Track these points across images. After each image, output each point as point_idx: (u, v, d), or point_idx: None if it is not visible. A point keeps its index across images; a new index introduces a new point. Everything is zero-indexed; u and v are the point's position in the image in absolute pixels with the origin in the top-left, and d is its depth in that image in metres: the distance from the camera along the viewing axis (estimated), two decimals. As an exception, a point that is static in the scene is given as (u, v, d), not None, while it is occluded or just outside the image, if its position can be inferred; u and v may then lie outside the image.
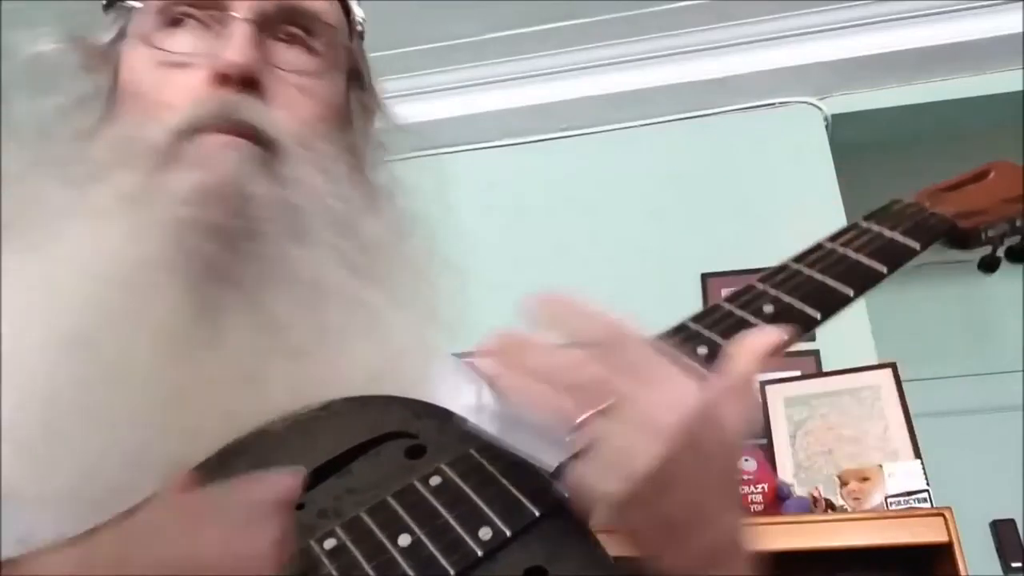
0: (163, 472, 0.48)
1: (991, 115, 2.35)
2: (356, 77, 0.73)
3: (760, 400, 1.95)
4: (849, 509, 1.64)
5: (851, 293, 0.58)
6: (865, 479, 1.67)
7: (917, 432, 1.76)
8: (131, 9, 0.66)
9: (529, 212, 2.42)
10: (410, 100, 2.37)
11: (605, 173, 2.46)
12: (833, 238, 0.63)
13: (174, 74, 0.62)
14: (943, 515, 1.49)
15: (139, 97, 0.63)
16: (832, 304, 0.58)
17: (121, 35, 0.67)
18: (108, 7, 0.69)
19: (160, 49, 0.63)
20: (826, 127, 2.42)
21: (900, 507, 1.60)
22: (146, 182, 0.58)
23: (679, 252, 2.24)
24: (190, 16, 0.64)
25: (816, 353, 2.02)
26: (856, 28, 2.33)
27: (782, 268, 0.61)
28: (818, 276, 0.59)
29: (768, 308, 0.57)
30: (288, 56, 0.65)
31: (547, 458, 0.45)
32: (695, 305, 0.58)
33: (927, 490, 1.62)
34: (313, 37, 0.67)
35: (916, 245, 0.63)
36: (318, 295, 0.59)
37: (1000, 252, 0.72)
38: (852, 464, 1.73)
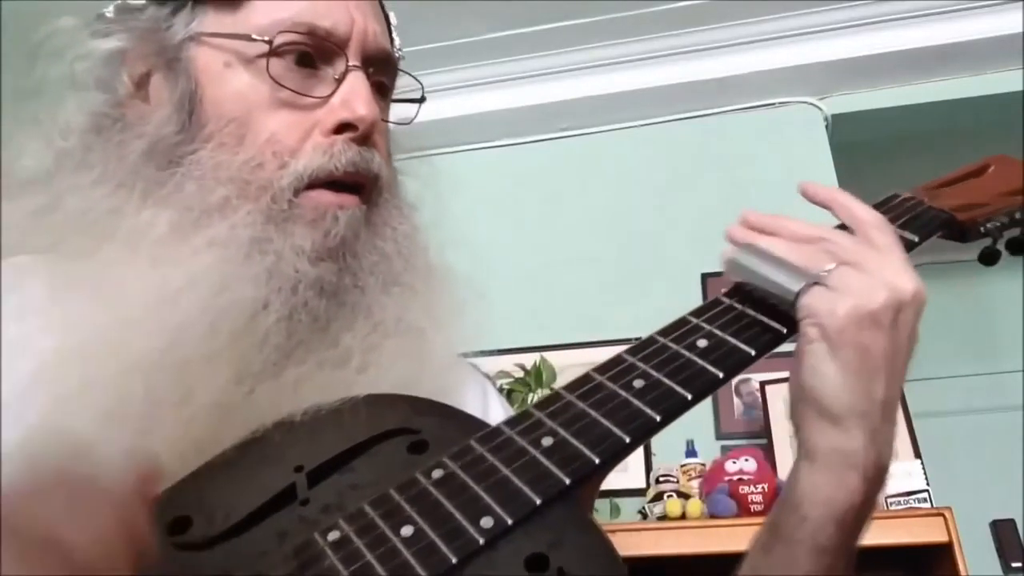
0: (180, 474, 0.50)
1: (991, 115, 2.35)
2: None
3: (760, 400, 1.95)
4: (849, 509, 1.64)
5: None
6: (865, 479, 1.67)
7: (917, 432, 1.76)
8: (206, 11, 0.64)
9: (529, 212, 2.42)
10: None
11: (605, 173, 2.46)
12: (836, 228, 0.64)
13: (293, 117, 0.61)
14: (943, 515, 1.50)
15: (245, 129, 0.61)
16: None
17: (193, 37, 0.63)
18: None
19: (281, 85, 0.61)
20: (826, 127, 2.42)
21: (900, 507, 1.60)
22: (270, 229, 0.59)
23: (679, 252, 2.24)
24: (301, 50, 0.62)
25: (816, 353, 2.02)
26: (856, 28, 2.33)
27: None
28: None
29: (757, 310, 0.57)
30: (379, 102, 0.67)
31: (785, 286, 0.54)
32: (695, 305, 0.58)
33: (927, 490, 1.62)
34: (389, 79, 0.69)
35: (915, 237, 0.64)
36: (383, 323, 0.62)
37: (1000, 245, 0.73)
38: (852, 464, 1.72)
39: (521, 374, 1.99)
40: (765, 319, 0.56)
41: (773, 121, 2.43)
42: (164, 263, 0.56)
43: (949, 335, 3.05)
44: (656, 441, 1.89)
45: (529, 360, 2.01)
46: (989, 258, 0.73)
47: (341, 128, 0.61)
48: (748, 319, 0.56)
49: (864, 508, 0.53)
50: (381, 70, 0.67)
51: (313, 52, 0.63)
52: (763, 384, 1.95)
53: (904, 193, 0.70)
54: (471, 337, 0.69)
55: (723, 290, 0.59)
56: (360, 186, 0.63)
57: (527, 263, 2.32)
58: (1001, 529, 2.76)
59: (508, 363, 2.02)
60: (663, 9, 2.29)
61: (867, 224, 0.58)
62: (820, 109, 2.43)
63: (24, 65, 0.64)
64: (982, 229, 0.70)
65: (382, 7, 0.72)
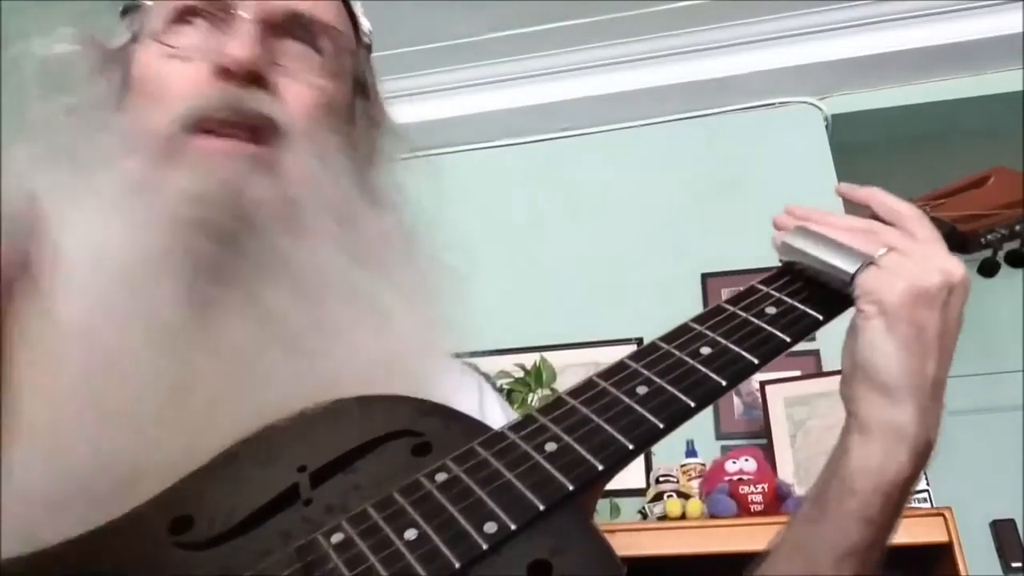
0: (165, 471, 0.49)
1: (991, 115, 2.35)
2: (361, 87, 0.74)
3: (760, 400, 1.95)
4: (849, 509, 1.64)
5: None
6: (865, 479, 1.67)
7: (917, 432, 1.76)
8: (145, 12, 0.68)
9: (529, 212, 2.43)
10: (411, 100, 2.37)
11: (605, 173, 2.46)
12: None
13: (180, 67, 0.64)
14: (943, 515, 1.49)
15: (146, 89, 0.64)
16: (834, 307, 0.59)
17: (135, 38, 0.68)
18: (124, 13, 0.70)
19: (167, 45, 0.64)
20: (826, 127, 2.42)
21: (900, 507, 1.60)
22: (150, 175, 0.59)
23: (679, 252, 2.24)
24: (199, 14, 0.65)
25: (816, 353, 2.02)
26: (856, 28, 2.33)
27: (784, 271, 0.62)
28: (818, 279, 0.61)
29: (771, 310, 0.58)
30: (294, 54, 0.66)
31: (841, 266, 0.57)
32: (695, 305, 0.59)
33: (927, 490, 1.62)
34: (318, 40, 0.68)
35: None
36: (318, 285, 0.60)
37: (1000, 257, 0.74)
38: (852, 464, 1.72)
39: (521, 374, 1.99)
40: (769, 328, 0.56)
41: (773, 121, 2.43)
42: (70, 233, 0.57)
43: (949, 335, 3.05)
44: (656, 441, 1.89)
45: (529, 360, 2.02)
46: (989, 270, 0.75)
47: (221, 73, 0.62)
48: (752, 327, 0.56)
49: (909, 483, 0.56)
50: (295, 28, 0.66)
51: (205, 10, 0.65)
52: (763, 384, 1.95)
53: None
54: (452, 329, 0.68)
55: (724, 298, 0.60)
56: (257, 131, 0.62)
57: (527, 263, 2.32)
58: (1001, 529, 2.75)
59: (508, 363, 2.02)
60: (663, 9, 2.29)
61: (908, 217, 0.60)
62: (820, 109, 2.43)
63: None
64: (983, 240, 0.72)
65: None
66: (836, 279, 0.57)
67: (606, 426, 0.50)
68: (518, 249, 2.32)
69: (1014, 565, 2.71)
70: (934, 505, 1.59)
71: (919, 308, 0.55)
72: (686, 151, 2.44)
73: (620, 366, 0.55)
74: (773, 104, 2.45)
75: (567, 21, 2.33)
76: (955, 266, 0.57)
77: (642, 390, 0.52)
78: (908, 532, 1.48)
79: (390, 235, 0.67)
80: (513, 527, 0.44)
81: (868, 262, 0.56)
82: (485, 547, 0.43)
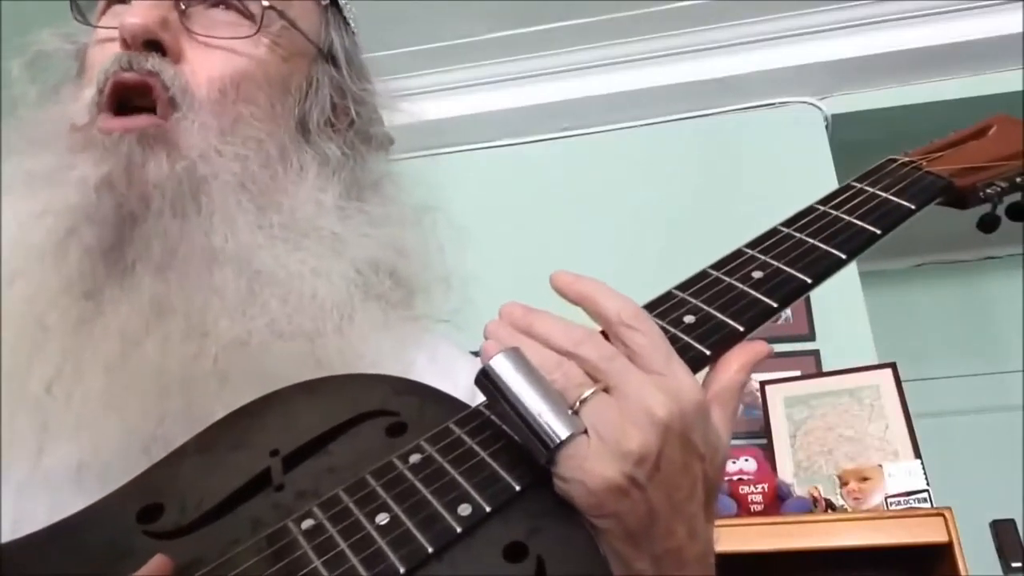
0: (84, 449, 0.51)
1: (991, 115, 2.35)
2: (326, 55, 0.71)
3: (760, 400, 1.95)
4: (849, 509, 1.64)
5: (843, 256, 0.56)
6: (865, 479, 1.67)
7: (917, 432, 1.76)
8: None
9: (529, 212, 2.42)
10: (411, 100, 2.36)
11: (605, 173, 2.45)
12: (825, 201, 0.61)
13: (101, 48, 0.64)
14: (943, 515, 1.49)
15: (83, 77, 0.65)
16: (823, 269, 0.55)
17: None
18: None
19: (97, 27, 0.65)
20: (826, 127, 2.42)
21: (900, 507, 1.60)
22: (56, 164, 0.59)
23: (679, 252, 2.24)
24: None
25: (816, 353, 2.02)
26: (856, 28, 2.33)
27: (772, 233, 0.59)
28: (809, 240, 0.57)
29: (757, 274, 0.55)
30: (215, 22, 0.64)
31: (550, 422, 0.43)
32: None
33: (927, 490, 1.62)
34: (249, 6, 0.65)
35: (912, 205, 0.61)
36: (217, 261, 0.58)
37: (1000, 211, 0.69)
38: (852, 464, 1.73)
39: (521, 374, 1.99)
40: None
41: (773, 121, 2.43)
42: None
43: (949, 335, 3.05)
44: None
45: (529, 360, 2.01)
46: (988, 225, 0.69)
47: (122, 45, 0.61)
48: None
49: None
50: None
51: None
52: (763, 384, 1.94)
53: (901, 157, 0.66)
54: (435, 320, 0.67)
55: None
56: (157, 106, 0.60)
57: (527, 263, 2.32)
58: (1001, 529, 2.75)
59: (508, 363, 2.02)
60: (663, 9, 2.29)
61: (620, 325, 0.47)
62: (820, 109, 2.43)
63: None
64: (981, 195, 0.67)
65: None
66: (538, 451, 0.44)
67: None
68: (517, 249, 2.32)
69: (1014, 565, 2.70)
70: (934, 505, 1.59)
71: (619, 501, 0.42)
72: (686, 151, 2.44)
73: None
74: (773, 104, 2.45)
75: (567, 21, 2.32)
76: (668, 402, 0.43)
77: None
78: (908, 532, 1.48)
79: (335, 213, 0.65)
80: (488, 509, 0.43)
81: (568, 435, 0.43)
82: (459, 530, 0.42)
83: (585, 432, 0.43)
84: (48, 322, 0.54)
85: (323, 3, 0.73)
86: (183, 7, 0.63)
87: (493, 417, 0.48)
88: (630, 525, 0.43)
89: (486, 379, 0.45)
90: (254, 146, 0.63)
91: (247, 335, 0.56)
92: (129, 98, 0.60)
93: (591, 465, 0.42)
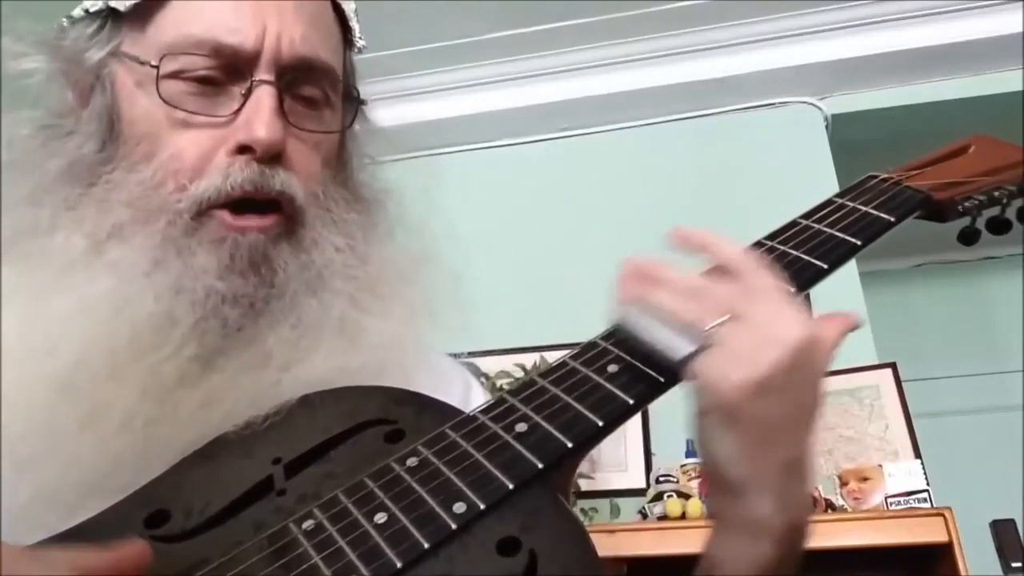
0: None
1: (991, 115, 2.35)
2: (351, 98, 0.72)
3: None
4: (849, 509, 1.64)
5: (825, 267, 0.59)
6: (865, 479, 1.67)
7: (917, 432, 1.76)
8: (122, 27, 0.64)
9: (529, 212, 2.42)
10: (410, 100, 2.37)
11: (605, 173, 2.46)
12: (807, 215, 0.64)
13: (195, 137, 0.61)
14: (943, 515, 1.49)
15: (153, 149, 0.61)
16: (806, 278, 0.58)
17: (114, 53, 0.64)
18: (97, 16, 0.65)
19: (179, 109, 0.61)
20: (826, 127, 2.42)
21: (900, 507, 1.60)
22: (170, 250, 0.59)
23: (679, 252, 2.23)
24: (200, 73, 0.61)
25: (816, 353, 2.02)
26: (856, 28, 2.33)
27: (756, 245, 0.61)
28: (792, 252, 0.60)
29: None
30: (301, 111, 0.64)
31: (674, 348, 0.50)
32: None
33: (927, 490, 1.62)
34: (322, 83, 0.66)
35: (891, 218, 0.64)
36: (315, 329, 0.62)
37: (980, 223, 0.72)
38: (852, 464, 1.73)
39: (521, 374, 1.99)
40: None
41: (773, 121, 2.43)
42: (63, 290, 0.57)
43: (949, 335, 3.05)
44: (656, 441, 1.89)
45: (529, 360, 2.01)
46: (968, 237, 0.72)
47: (243, 149, 0.60)
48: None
49: (781, 567, 0.52)
50: (304, 78, 0.64)
51: (215, 71, 0.61)
52: (763, 384, 1.94)
53: (881, 174, 0.69)
54: (441, 325, 0.68)
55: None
56: (274, 204, 0.61)
57: (527, 263, 2.32)
58: (1001, 529, 2.75)
59: (508, 363, 2.02)
60: (663, 9, 2.29)
61: (743, 269, 0.53)
62: (820, 109, 2.43)
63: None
64: (960, 208, 0.70)
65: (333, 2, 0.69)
66: (671, 363, 0.51)
67: (575, 404, 0.50)
68: (517, 249, 2.32)
69: (1014, 565, 2.70)
70: (934, 505, 1.59)
71: (756, 399, 0.48)
72: (686, 151, 2.44)
73: (591, 345, 0.55)
74: (773, 104, 2.45)
75: (567, 21, 2.33)
76: (790, 328, 0.49)
77: (613, 368, 0.52)
78: (908, 532, 1.48)
79: (388, 262, 0.68)
80: (482, 506, 0.45)
81: (700, 346, 0.50)
82: (454, 527, 0.44)
83: (710, 351, 0.49)
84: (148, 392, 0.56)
85: (354, 50, 0.73)
86: (282, 100, 0.62)
87: (486, 420, 0.50)
88: (765, 426, 0.48)
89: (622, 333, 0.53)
90: (347, 229, 0.67)
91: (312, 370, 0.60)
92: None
93: (730, 371, 0.48)
